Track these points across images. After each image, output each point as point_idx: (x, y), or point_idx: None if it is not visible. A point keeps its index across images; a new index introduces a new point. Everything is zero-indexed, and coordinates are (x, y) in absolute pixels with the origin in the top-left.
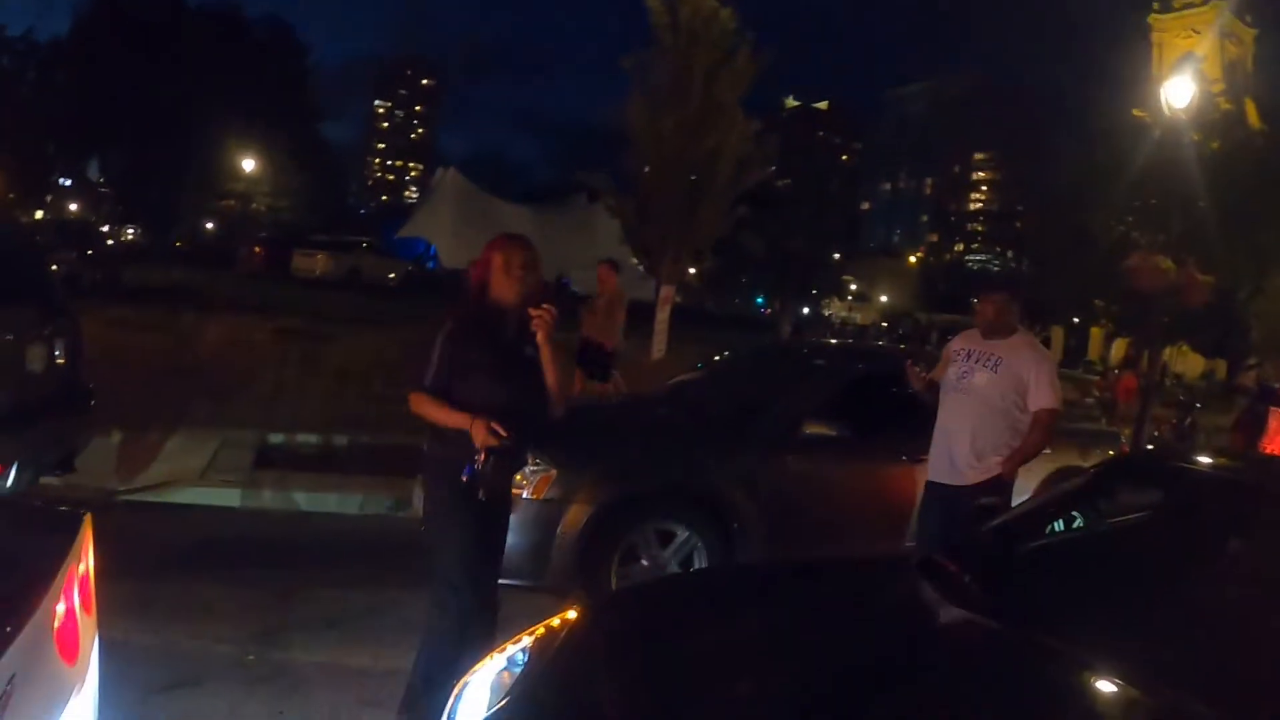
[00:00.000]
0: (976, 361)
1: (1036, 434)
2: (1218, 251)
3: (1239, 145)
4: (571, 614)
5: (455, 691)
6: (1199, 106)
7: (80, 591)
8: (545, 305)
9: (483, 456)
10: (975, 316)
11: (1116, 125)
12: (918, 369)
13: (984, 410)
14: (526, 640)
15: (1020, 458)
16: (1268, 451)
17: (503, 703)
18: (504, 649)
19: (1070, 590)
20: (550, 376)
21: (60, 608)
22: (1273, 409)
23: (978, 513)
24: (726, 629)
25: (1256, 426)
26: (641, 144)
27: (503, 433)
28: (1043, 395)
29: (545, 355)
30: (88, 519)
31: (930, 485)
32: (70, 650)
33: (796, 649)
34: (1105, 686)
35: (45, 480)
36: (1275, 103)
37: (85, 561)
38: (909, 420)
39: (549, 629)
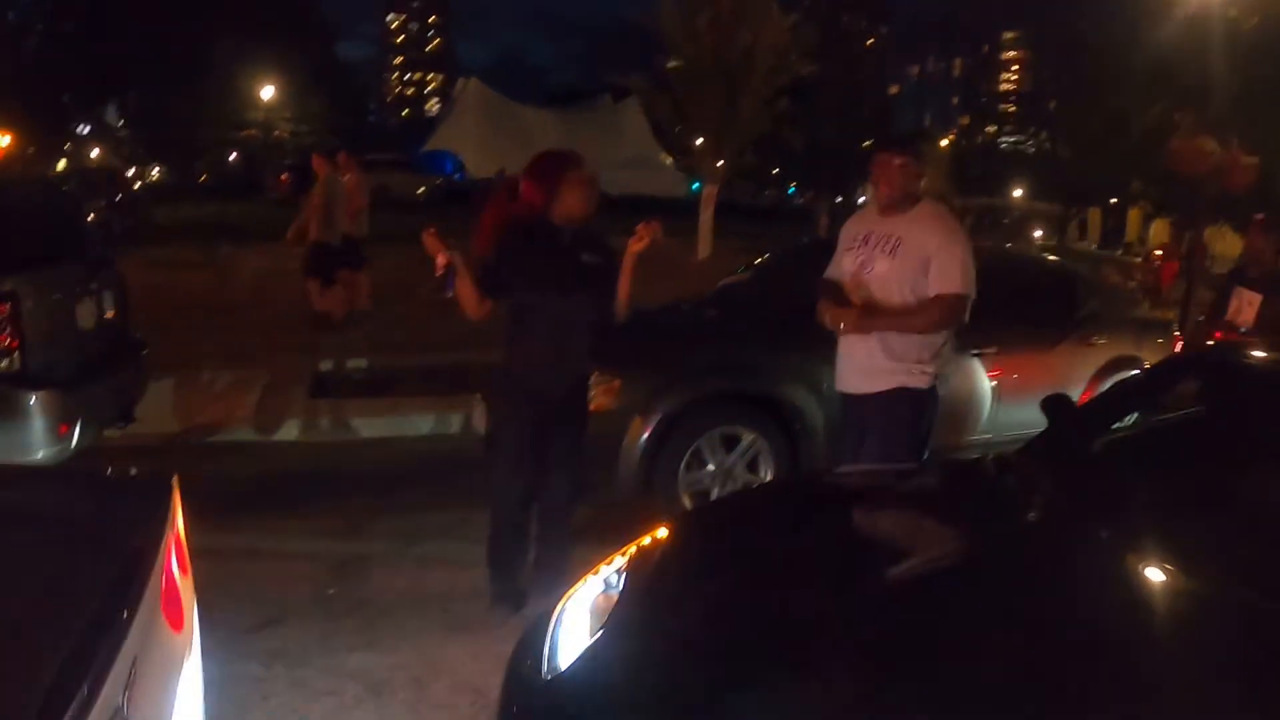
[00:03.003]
0: (875, 247)
1: (930, 310)
2: (1258, 132)
3: (1276, 23)
4: (662, 533)
5: (554, 615)
6: None
7: (177, 556)
8: (653, 222)
9: (443, 262)
10: (872, 188)
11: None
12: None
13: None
14: (620, 561)
15: (897, 316)
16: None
17: (600, 633)
18: (598, 570)
19: (1141, 486)
20: (623, 287)
21: (163, 578)
22: (1236, 288)
23: (1048, 406)
24: (814, 540)
25: (1219, 307)
26: (674, 42)
27: (442, 245)
28: (946, 277)
29: (628, 266)
30: (175, 481)
31: (842, 397)
32: (177, 618)
33: (881, 557)
34: (1166, 578)
35: (108, 433)
36: None
37: (177, 525)
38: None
39: (641, 550)
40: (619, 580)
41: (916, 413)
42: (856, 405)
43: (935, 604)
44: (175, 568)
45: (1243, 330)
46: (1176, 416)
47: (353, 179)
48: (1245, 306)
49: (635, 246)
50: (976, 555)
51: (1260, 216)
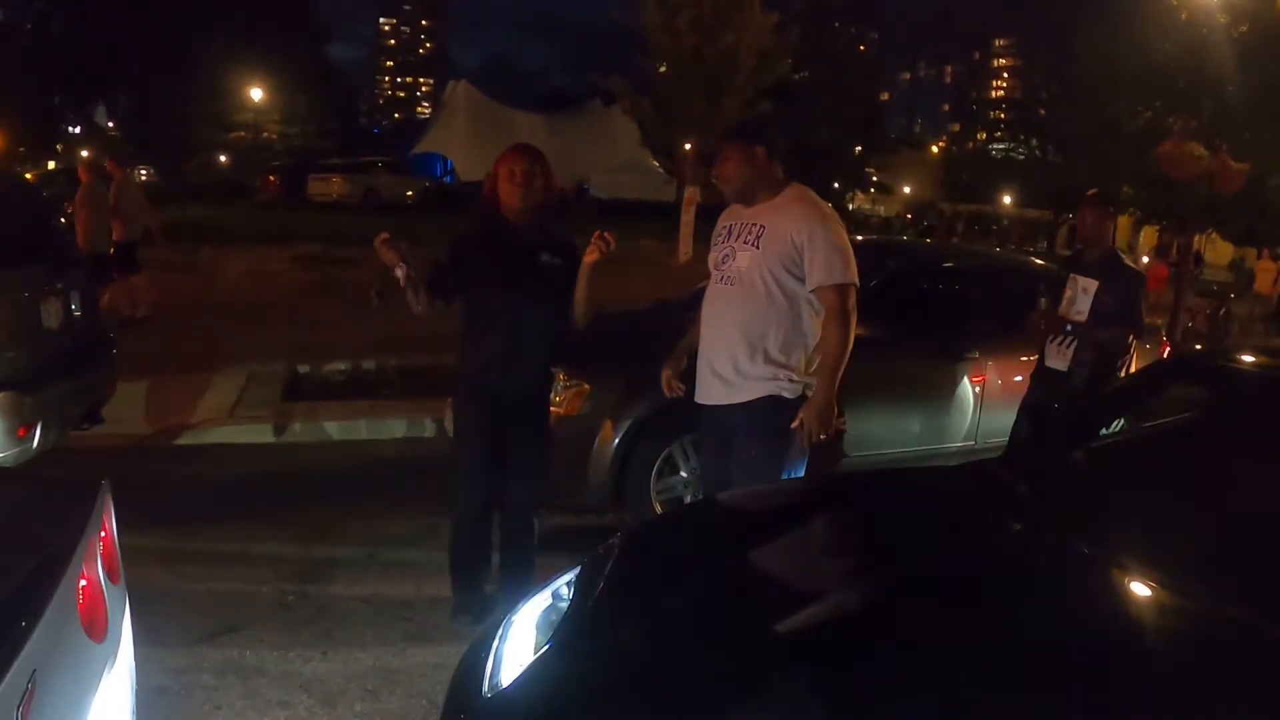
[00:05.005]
0: (739, 239)
1: (831, 328)
2: (1247, 137)
3: (1268, 28)
4: (614, 544)
5: (500, 628)
6: None
7: (105, 562)
8: (608, 234)
9: (401, 275)
10: (718, 186)
11: (1142, 7)
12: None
13: (752, 302)
14: (571, 573)
15: (829, 369)
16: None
17: (547, 647)
18: (548, 583)
19: (1121, 495)
20: (580, 293)
21: (84, 583)
22: (1071, 276)
23: (1029, 412)
24: (775, 550)
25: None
26: (657, 43)
27: (398, 255)
28: (820, 267)
29: (583, 275)
30: (106, 486)
31: (701, 412)
32: (98, 627)
33: (846, 571)
34: (1158, 595)
35: (75, 434)
36: None
37: (108, 529)
38: (948, 317)
39: (593, 561)
40: (569, 593)
41: (789, 426)
42: (719, 420)
43: (909, 622)
44: (101, 574)
45: (1068, 324)
46: (1161, 424)
47: (121, 184)
48: (1080, 295)
49: (589, 257)
50: (953, 569)
51: (1091, 192)
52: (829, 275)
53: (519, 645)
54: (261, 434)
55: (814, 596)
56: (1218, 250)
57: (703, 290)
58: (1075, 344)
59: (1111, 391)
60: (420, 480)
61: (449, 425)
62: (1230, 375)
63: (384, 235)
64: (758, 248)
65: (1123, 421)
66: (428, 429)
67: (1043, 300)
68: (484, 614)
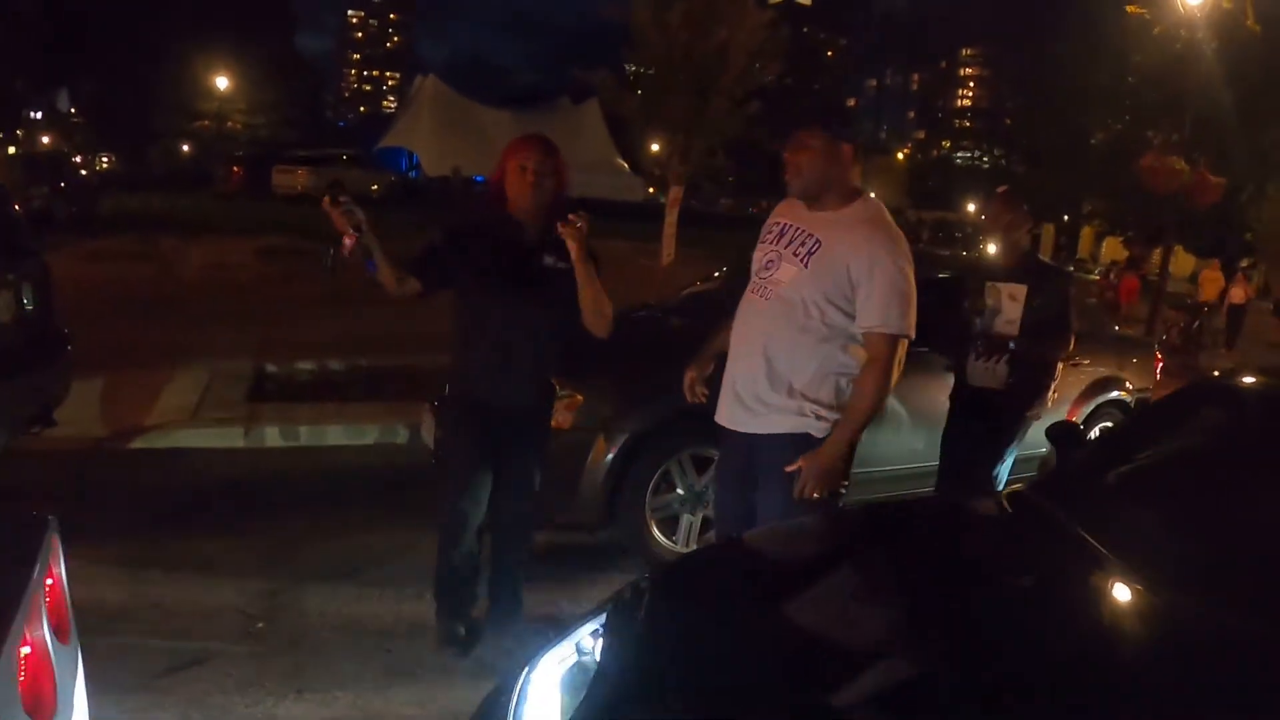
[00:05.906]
0: (789, 244)
1: (868, 378)
2: (1221, 150)
3: (1241, 45)
4: (643, 587)
5: (517, 687)
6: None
7: (52, 619)
8: (577, 213)
9: (349, 244)
10: (785, 174)
11: (1113, 21)
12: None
13: (787, 327)
14: (594, 623)
15: (852, 423)
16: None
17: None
18: (568, 632)
19: (1183, 529)
20: (584, 294)
21: (26, 652)
22: (989, 285)
23: (1058, 438)
24: (821, 601)
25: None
26: (645, 39)
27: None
28: (876, 308)
29: (578, 271)
30: (53, 523)
31: (721, 434)
32: (45, 706)
33: (891, 618)
34: (1192, 618)
35: (25, 436)
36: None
37: (55, 577)
38: (945, 327)
39: (621, 608)
40: (594, 646)
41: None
42: (740, 446)
43: (955, 668)
44: (48, 636)
45: (1010, 341)
46: (1195, 446)
47: None
48: (1007, 303)
49: (571, 247)
50: (1016, 620)
51: (1001, 189)
52: (884, 321)
53: (542, 708)
54: (226, 437)
55: (874, 655)
56: (1179, 262)
57: (691, 295)
58: (1007, 358)
59: (1143, 415)
60: (394, 491)
61: (426, 434)
62: (1265, 399)
63: (326, 198)
64: (806, 266)
65: (1157, 445)
66: (400, 435)
67: (976, 320)
68: (470, 645)
